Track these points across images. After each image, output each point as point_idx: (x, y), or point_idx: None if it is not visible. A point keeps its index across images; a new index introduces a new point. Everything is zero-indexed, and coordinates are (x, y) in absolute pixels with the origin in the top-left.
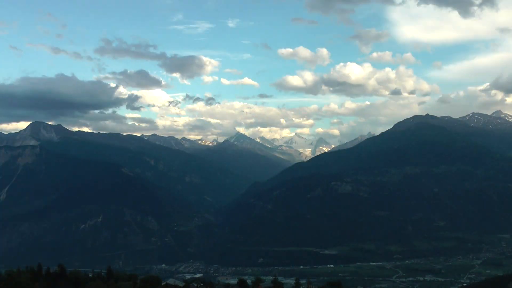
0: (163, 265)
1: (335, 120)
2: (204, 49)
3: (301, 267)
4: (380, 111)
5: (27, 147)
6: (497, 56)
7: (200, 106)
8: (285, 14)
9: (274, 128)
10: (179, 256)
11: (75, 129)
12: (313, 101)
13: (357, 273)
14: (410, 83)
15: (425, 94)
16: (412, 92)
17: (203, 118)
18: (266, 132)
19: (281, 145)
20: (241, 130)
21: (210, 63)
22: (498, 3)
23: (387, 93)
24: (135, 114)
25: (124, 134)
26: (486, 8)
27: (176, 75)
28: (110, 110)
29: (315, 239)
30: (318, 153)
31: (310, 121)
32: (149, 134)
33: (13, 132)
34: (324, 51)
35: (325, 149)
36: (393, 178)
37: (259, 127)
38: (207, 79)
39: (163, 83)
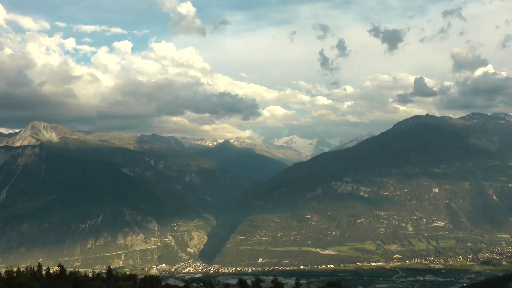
0: (163, 265)
1: None
2: None
3: (301, 267)
4: None
5: (27, 147)
6: None
7: None
8: None
9: None
10: (179, 256)
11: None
12: None
13: (357, 273)
14: None
15: None
16: None
17: None
18: None
19: (281, 145)
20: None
21: None
22: None
23: None
24: None
25: (124, 134)
26: None
27: None
28: None
29: (315, 239)
30: (318, 153)
31: None
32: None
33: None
34: None
35: (325, 149)
36: (393, 178)
37: None
38: None
39: None
